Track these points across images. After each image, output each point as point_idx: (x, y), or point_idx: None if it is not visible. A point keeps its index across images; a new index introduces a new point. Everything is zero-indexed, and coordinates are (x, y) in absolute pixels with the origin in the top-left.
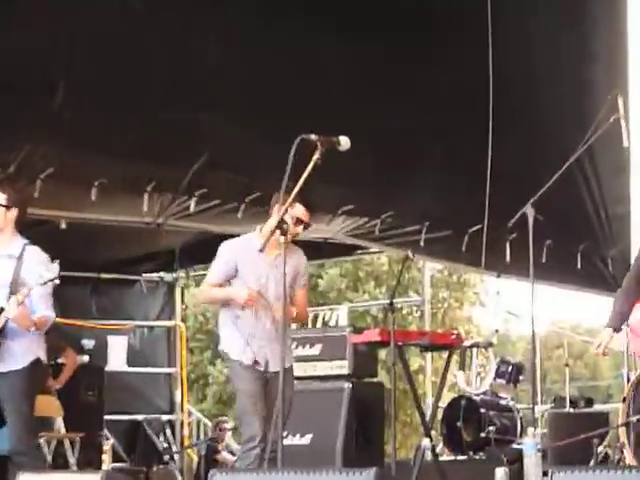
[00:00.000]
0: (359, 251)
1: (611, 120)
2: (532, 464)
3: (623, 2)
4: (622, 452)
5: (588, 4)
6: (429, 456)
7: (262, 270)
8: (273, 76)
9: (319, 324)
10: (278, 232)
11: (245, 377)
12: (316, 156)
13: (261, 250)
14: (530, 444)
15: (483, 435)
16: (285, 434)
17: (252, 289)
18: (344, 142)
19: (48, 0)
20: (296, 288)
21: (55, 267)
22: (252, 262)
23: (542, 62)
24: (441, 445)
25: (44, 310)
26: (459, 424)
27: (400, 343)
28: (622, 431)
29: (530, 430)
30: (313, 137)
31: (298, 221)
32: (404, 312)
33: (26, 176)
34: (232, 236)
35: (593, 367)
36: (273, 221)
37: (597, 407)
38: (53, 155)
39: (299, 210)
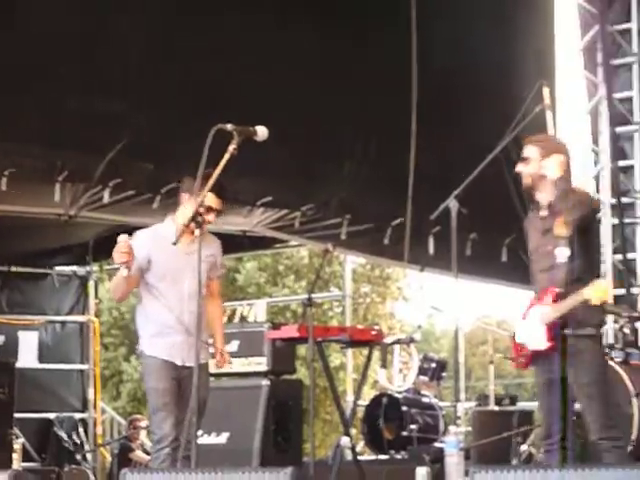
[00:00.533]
0: (278, 244)
1: (537, 110)
2: (453, 463)
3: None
4: None
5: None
6: (349, 455)
7: (176, 261)
8: (190, 64)
9: (237, 319)
10: (193, 224)
11: (158, 374)
12: (232, 146)
13: (175, 243)
14: (451, 443)
15: (405, 434)
16: (200, 433)
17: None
18: (261, 132)
19: None
20: (213, 279)
21: None
22: (165, 253)
23: (467, 54)
24: (362, 444)
25: None
26: (380, 422)
27: (319, 339)
28: None
29: (452, 428)
30: (229, 127)
31: (209, 209)
32: (325, 307)
33: None
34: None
35: None
36: (187, 211)
37: (522, 405)
38: None
39: (210, 199)
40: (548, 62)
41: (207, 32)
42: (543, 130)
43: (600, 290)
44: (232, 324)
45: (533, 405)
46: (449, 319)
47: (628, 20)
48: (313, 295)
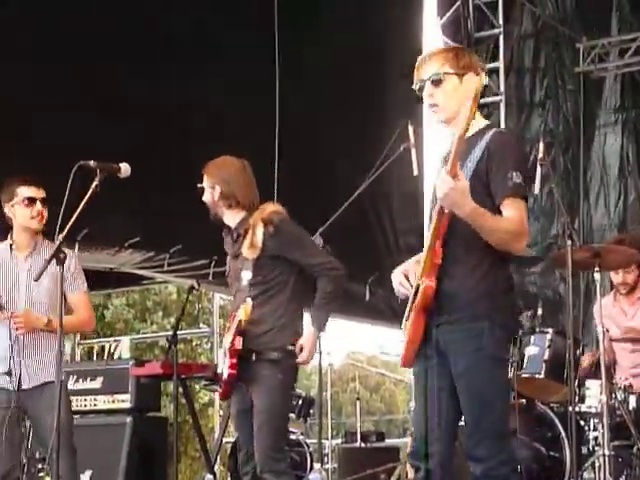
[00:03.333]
0: (146, 281)
1: (401, 149)
2: None
3: (417, 30)
4: None
5: (379, 32)
6: None
7: (9, 273)
8: None
9: (105, 356)
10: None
11: None
12: (95, 183)
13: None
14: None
15: None
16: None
17: None
18: (124, 169)
19: None
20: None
21: None
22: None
23: (332, 91)
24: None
25: None
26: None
27: (183, 376)
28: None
29: (317, 465)
30: (92, 164)
31: (30, 201)
32: (194, 344)
33: None
34: None
35: (389, 400)
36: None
37: (389, 441)
38: None
39: (27, 191)
40: (414, 104)
41: None
42: (408, 169)
43: (246, 311)
44: (96, 361)
45: (402, 441)
46: (319, 356)
47: (495, 60)
48: (180, 332)
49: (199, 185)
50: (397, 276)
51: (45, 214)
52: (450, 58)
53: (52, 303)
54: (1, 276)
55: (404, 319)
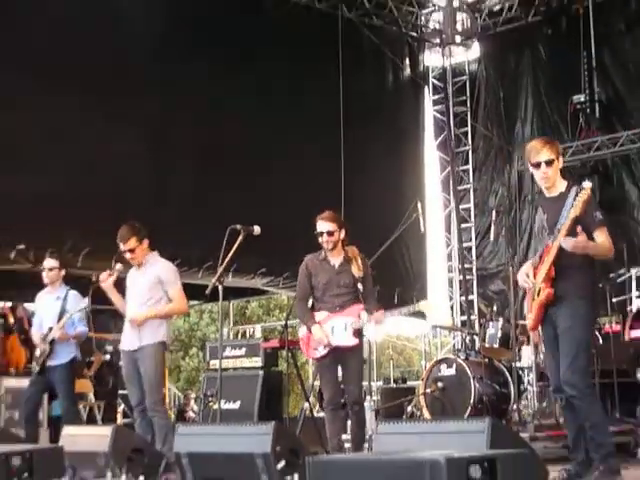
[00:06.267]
0: (269, 293)
1: (413, 217)
2: (369, 418)
3: (421, 144)
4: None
5: (402, 142)
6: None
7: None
8: None
9: (247, 335)
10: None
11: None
12: (240, 238)
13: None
14: (368, 406)
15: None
16: (223, 401)
17: None
18: (256, 230)
19: None
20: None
21: (85, 301)
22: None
23: (381, 177)
24: (317, 406)
25: (81, 326)
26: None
27: (291, 347)
28: (421, 398)
29: (368, 398)
30: (238, 227)
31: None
32: (296, 328)
33: None
34: None
35: (409, 360)
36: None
37: (409, 383)
38: None
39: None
40: (421, 186)
41: None
42: (418, 228)
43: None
44: (242, 339)
45: (416, 383)
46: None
47: (467, 163)
48: (290, 321)
49: (327, 230)
50: (522, 274)
51: (134, 257)
52: (555, 148)
53: (148, 295)
54: (130, 281)
55: (529, 303)
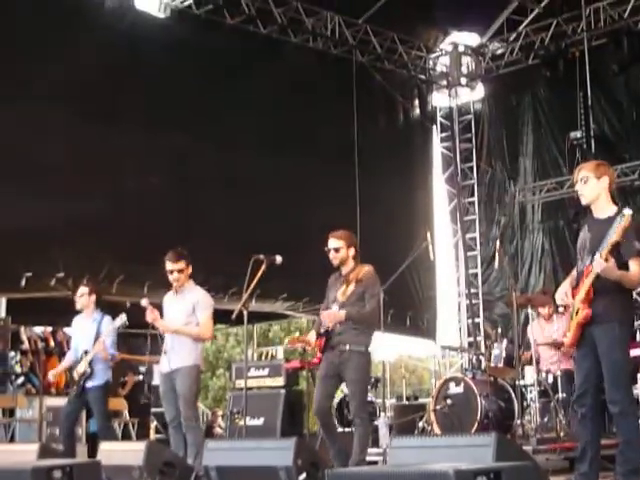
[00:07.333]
0: (289, 317)
1: (423, 245)
2: (383, 433)
3: (430, 178)
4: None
5: (413, 176)
6: None
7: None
8: None
9: (269, 357)
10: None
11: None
12: (263, 267)
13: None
14: (382, 421)
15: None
16: (248, 418)
17: None
18: (278, 259)
19: None
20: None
21: (117, 322)
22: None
23: (393, 209)
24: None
25: (112, 351)
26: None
27: (310, 367)
28: (432, 414)
29: (382, 414)
30: (261, 257)
31: (170, 272)
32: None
33: None
34: None
35: (420, 378)
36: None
37: (421, 400)
38: None
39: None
40: (430, 217)
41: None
42: (427, 255)
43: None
44: (265, 360)
45: (426, 400)
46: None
47: (473, 196)
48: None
49: (334, 247)
50: (562, 293)
51: (179, 278)
52: (591, 167)
53: (185, 321)
54: (167, 305)
55: (567, 322)
